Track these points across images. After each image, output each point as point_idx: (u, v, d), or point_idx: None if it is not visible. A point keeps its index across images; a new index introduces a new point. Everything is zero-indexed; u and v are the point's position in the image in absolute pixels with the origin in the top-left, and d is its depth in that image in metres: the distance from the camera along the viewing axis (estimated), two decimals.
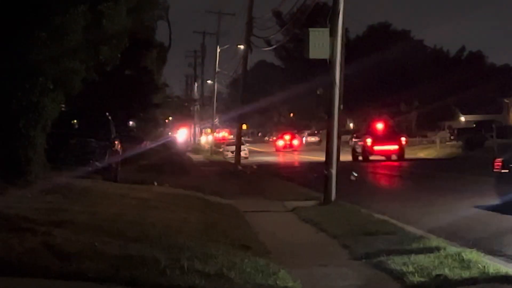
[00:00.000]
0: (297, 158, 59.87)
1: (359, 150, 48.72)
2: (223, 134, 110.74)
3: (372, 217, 15.98)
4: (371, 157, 46.85)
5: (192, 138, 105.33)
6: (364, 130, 51.54)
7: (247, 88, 49.87)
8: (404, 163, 43.65)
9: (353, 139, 52.82)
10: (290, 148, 76.39)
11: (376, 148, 46.76)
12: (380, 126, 49.10)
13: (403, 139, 48.32)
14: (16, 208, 11.88)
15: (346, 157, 42.69)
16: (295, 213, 17.94)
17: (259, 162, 52.33)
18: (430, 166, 39.75)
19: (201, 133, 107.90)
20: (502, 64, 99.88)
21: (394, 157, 47.04)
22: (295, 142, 79.62)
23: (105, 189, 17.73)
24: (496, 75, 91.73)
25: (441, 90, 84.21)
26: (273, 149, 79.93)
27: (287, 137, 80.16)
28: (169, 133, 73.33)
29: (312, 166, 40.16)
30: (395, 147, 47.06)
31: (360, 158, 47.82)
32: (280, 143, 79.59)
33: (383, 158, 47.28)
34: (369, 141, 47.02)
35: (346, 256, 11.65)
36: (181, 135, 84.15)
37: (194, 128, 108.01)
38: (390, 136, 47.56)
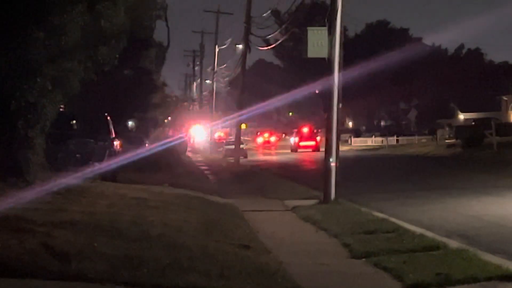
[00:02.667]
0: (274, 152, 74.57)
1: (292, 144, 72.52)
2: (219, 134, 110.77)
3: (372, 215, 15.96)
4: (299, 150, 68.06)
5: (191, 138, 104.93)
6: (295, 132, 74.32)
7: (246, 87, 49.83)
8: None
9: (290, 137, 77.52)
10: (268, 144, 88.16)
11: (301, 144, 69.25)
12: (304, 129, 71.68)
13: (318, 138, 69.25)
14: (15, 209, 11.86)
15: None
16: (295, 212, 17.92)
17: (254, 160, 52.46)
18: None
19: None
20: (500, 62, 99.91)
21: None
22: (272, 139, 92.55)
23: (104, 190, 17.69)
24: (495, 72, 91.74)
25: (440, 88, 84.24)
26: (254, 145, 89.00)
27: (266, 134, 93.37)
28: (177, 133, 72.51)
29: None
30: (313, 143, 69.27)
31: (292, 148, 71.08)
32: (260, 139, 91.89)
33: (308, 150, 67.49)
34: (296, 139, 70.83)
35: (346, 254, 11.64)
36: (196, 134, 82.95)
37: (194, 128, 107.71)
38: (310, 136, 70.63)
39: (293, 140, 72.83)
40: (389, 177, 30.54)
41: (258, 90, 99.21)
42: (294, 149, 69.26)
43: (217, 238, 12.21)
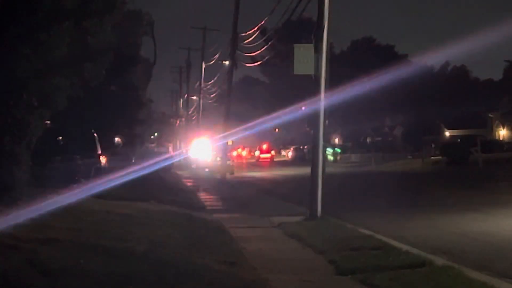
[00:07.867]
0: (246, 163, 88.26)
1: (256, 157, 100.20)
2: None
3: (358, 232, 15.98)
4: (261, 159, 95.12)
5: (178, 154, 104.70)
6: (258, 147, 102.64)
7: (232, 103, 49.85)
8: (273, 162, 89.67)
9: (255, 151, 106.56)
10: (240, 157, 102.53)
11: (261, 156, 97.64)
12: (264, 146, 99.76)
13: (272, 152, 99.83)
14: (1, 225, 11.81)
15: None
16: (281, 229, 17.89)
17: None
18: None
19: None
20: (485, 79, 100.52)
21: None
22: (234, 153, 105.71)
23: (90, 206, 17.64)
24: (480, 89, 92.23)
25: (425, 105, 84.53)
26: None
27: (239, 149, 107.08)
28: (164, 149, 71.49)
29: None
30: (269, 155, 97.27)
31: (255, 159, 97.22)
32: (234, 153, 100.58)
33: (267, 160, 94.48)
34: (258, 152, 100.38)
35: (332, 271, 11.63)
36: (184, 150, 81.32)
37: (180, 144, 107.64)
38: (267, 150, 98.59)
39: (256, 153, 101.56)
40: (375, 194, 30.56)
41: (245, 106, 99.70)
42: (256, 159, 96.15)
43: (203, 255, 12.19)
